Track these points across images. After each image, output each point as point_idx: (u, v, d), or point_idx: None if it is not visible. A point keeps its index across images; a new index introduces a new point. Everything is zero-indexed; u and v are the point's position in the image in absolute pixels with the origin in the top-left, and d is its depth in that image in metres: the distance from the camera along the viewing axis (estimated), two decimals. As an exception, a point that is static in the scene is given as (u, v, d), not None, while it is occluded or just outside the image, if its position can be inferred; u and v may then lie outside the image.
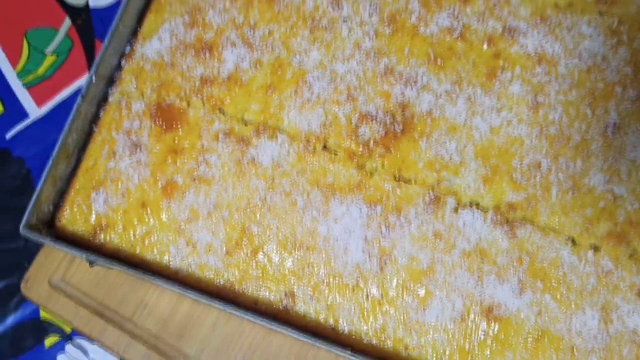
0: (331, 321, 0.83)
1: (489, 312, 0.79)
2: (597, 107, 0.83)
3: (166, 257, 0.87)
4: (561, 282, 0.78)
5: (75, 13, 1.22)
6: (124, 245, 0.89)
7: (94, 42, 1.18)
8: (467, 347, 0.79)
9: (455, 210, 0.83)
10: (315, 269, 0.84)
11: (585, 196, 0.80)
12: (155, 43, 0.96)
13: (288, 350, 0.89)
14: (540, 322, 0.78)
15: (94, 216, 0.91)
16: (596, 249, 0.79)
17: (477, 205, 0.83)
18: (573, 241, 0.80)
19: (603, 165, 0.81)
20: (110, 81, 0.97)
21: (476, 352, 0.79)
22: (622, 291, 0.77)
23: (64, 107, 1.15)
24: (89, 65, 1.16)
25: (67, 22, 1.21)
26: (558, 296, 0.78)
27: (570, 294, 0.78)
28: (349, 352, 0.77)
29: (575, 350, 0.76)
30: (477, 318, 0.79)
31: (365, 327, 0.82)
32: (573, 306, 0.77)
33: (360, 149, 0.86)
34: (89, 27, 1.19)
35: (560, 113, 0.84)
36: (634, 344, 0.75)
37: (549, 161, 0.82)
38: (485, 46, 0.88)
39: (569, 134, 0.83)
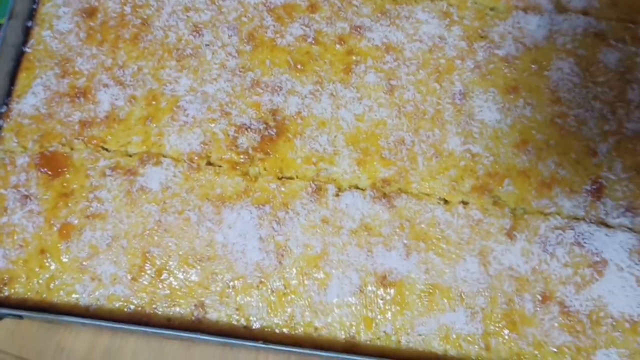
0: (243, 321, 0.89)
1: (383, 279, 0.87)
2: (443, 81, 0.95)
3: (74, 296, 0.91)
4: (440, 238, 0.88)
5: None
6: (29, 294, 0.92)
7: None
8: (370, 315, 0.87)
9: (337, 194, 0.91)
10: (219, 276, 0.90)
11: (447, 159, 0.91)
12: (30, 98, 1.01)
13: (210, 362, 0.94)
14: (429, 278, 0.87)
15: (-5, 274, 0.94)
16: (465, 203, 0.89)
17: (356, 186, 0.92)
18: (444, 200, 0.90)
19: (457, 129, 0.92)
20: (-9, 142, 1.01)
21: (379, 317, 0.86)
22: (493, 235, 0.87)
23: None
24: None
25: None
26: (440, 251, 0.87)
27: (450, 247, 0.87)
28: (261, 343, 0.83)
29: (463, 295, 0.85)
30: (373, 287, 0.87)
31: (275, 320, 0.88)
32: (454, 257, 0.87)
33: (242, 158, 0.94)
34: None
35: (413, 92, 0.95)
36: (512, 279, 0.85)
37: (411, 135, 0.93)
38: (338, 46, 0.99)
39: (423, 108, 0.94)
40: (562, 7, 0.98)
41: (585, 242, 0.85)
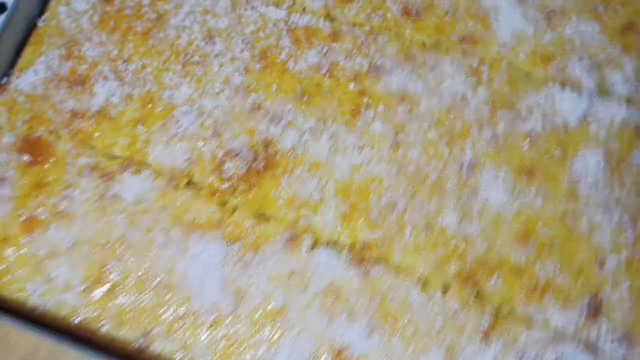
0: (186, 361, 0.79)
1: (339, 353, 0.75)
2: (454, 146, 0.81)
3: (23, 294, 0.82)
4: (409, 322, 0.75)
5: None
6: (-16, 281, 0.85)
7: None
8: (317, 387, 0.75)
9: (312, 248, 0.79)
10: (173, 307, 0.80)
11: (438, 235, 0.78)
12: (30, 75, 0.92)
13: (151, 388, 0.85)
14: (388, 363, 0.74)
15: (-41, 250, 0.86)
16: (445, 289, 0.76)
17: (335, 243, 0.80)
18: (423, 281, 0.77)
19: (457, 204, 0.79)
20: (-16, 113, 0.93)
21: (326, 393, 0.75)
22: (467, 332, 0.74)
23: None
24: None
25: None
26: (406, 337, 0.75)
27: (417, 334, 0.74)
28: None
29: (420, 392, 0.73)
30: (326, 359, 0.76)
31: (220, 367, 0.78)
32: (420, 347, 0.74)
33: (224, 186, 0.83)
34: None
35: (419, 151, 0.81)
36: (478, 386, 0.72)
37: (405, 200, 0.79)
38: (351, 85, 0.85)
39: (426, 172, 0.80)
40: (605, 89, 0.82)
41: (567, 366, 0.71)
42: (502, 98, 0.81)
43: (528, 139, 0.79)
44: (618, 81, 0.81)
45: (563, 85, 0.81)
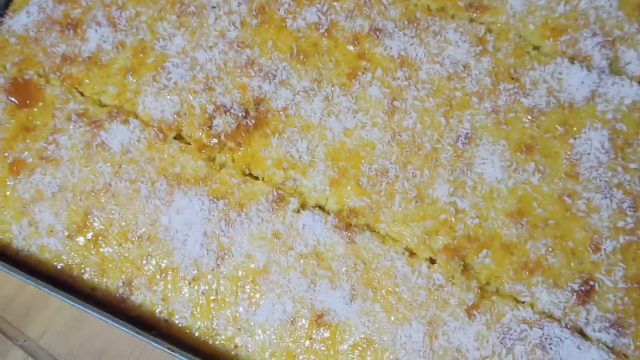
0: (166, 314, 0.75)
1: (319, 318, 0.71)
2: (452, 117, 0.75)
3: (8, 236, 0.79)
4: (392, 292, 0.70)
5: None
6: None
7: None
8: (295, 350, 0.71)
9: (298, 211, 0.74)
10: (155, 259, 0.76)
11: (428, 207, 0.73)
12: (23, 17, 0.86)
13: (130, 338, 0.81)
14: (367, 331, 0.70)
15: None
16: (432, 262, 0.71)
17: (321, 207, 0.75)
18: (410, 252, 0.72)
19: (450, 176, 0.73)
20: (-24, 52, 0.87)
21: (303, 356, 0.71)
22: (451, 307, 0.69)
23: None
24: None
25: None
26: (387, 307, 0.70)
27: (399, 305, 0.70)
28: (168, 348, 0.69)
29: (397, 363, 0.69)
30: (306, 323, 0.71)
31: (198, 324, 0.74)
32: (401, 317, 0.70)
33: (212, 142, 0.78)
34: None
35: (415, 120, 0.75)
36: (456, 362, 0.68)
37: (397, 168, 0.74)
38: (350, 47, 0.79)
39: (420, 142, 0.75)
40: (617, 68, 0.76)
41: (551, 348, 0.67)
42: (507, 70, 0.75)
43: (530, 115, 0.73)
44: (633, 60, 0.74)
45: (572, 60, 0.75)
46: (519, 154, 0.72)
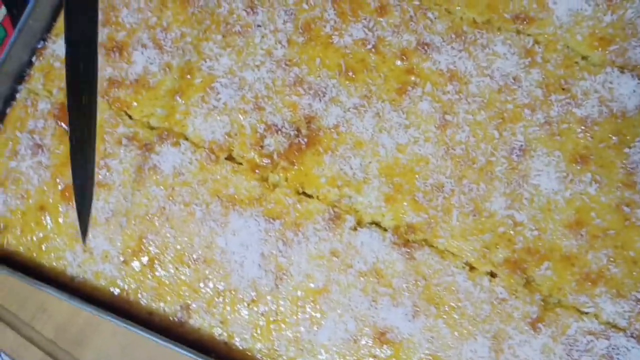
0: (225, 336, 0.75)
1: (381, 335, 0.72)
2: (504, 129, 0.76)
3: (62, 263, 0.79)
4: (455, 308, 0.71)
5: (11, 2, 1.12)
6: (21, 248, 0.81)
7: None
8: (357, 369, 0.72)
9: (354, 228, 0.75)
10: (212, 282, 0.77)
11: (486, 221, 0.73)
12: (66, 40, 0.87)
13: (186, 361, 0.82)
14: (431, 347, 0.71)
15: (-8, 216, 0.83)
16: (492, 275, 0.72)
17: (377, 224, 0.75)
18: (470, 266, 0.73)
19: (506, 189, 0.74)
20: (20, 78, 0.88)
21: (366, 375, 0.72)
22: (515, 320, 0.70)
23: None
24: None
25: (2, 10, 1.11)
26: (451, 322, 0.71)
27: (463, 320, 0.71)
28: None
29: (463, 379, 0.69)
30: (369, 341, 0.72)
31: (258, 345, 0.75)
32: (465, 333, 0.70)
33: (264, 161, 0.79)
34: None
35: (468, 133, 0.76)
36: (523, 376, 0.69)
37: (452, 182, 0.75)
38: (398, 61, 0.80)
39: (474, 155, 0.75)
40: (666, 75, 0.77)
41: (618, 358, 0.67)
42: (557, 81, 0.76)
43: (583, 125, 0.73)
44: (680, 68, 0.75)
45: (622, 69, 0.75)
46: (574, 165, 0.73)
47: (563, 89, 0.76)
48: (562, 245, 0.70)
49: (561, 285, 0.70)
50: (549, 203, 0.72)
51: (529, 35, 0.79)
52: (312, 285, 0.73)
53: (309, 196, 0.76)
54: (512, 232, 0.71)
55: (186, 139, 0.80)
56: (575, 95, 0.75)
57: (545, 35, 0.78)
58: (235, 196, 0.77)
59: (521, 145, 0.74)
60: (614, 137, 0.73)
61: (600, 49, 0.77)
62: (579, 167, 0.73)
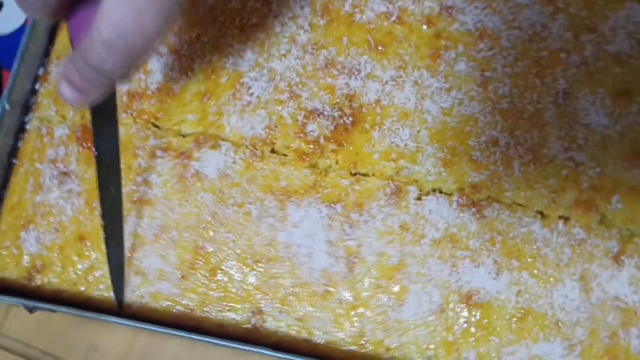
0: (304, 334, 0.74)
1: (468, 299, 0.72)
2: (544, 76, 0.78)
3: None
4: (536, 257, 0.72)
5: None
6: (65, 285, 0.77)
7: (0, 73, 1.03)
8: (450, 338, 0.72)
9: (419, 198, 0.75)
10: (281, 280, 0.75)
11: (547, 166, 0.75)
12: (72, 61, 0.84)
13: (261, 372, 0.79)
14: (521, 301, 0.71)
15: (26, 258, 0.78)
16: (566, 219, 0.73)
17: (440, 190, 0.76)
18: (542, 214, 0.74)
19: (559, 133, 0.76)
20: (26, 108, 0.84)
21: (460, 341, 0.71)
22: (597, 258, 0.72)
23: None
24: None
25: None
26: (535, 272, 0.72)
27: (547, 268, 0.72)
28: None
29: (560, 324, 0.70)
30: (456, 307, 0.72)
31: (341, 335, 0.73)
32: (552, 280, 0.71)
33: (311, 147, 0.78)
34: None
35: (510, 86, 0.78)
36: (618, 310, 0.70)
37: (506, 136, 0.76)
38: (424, 27, 0.81)
39: (521, 106, 0.77)
40: (683, 1, 0.81)
41: (703, 275, 0.70)
42: (582, 22, 0.79)
43: (617, 61, 0.76)
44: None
45: (640, 2, 0.79)
46: (618, 99, 0.75)
47: (590, 29, 0.78)
48: (625, 177, 0.73)
49: (634, 215, 0.72)
50: (603, 139, 0.74)
51: (545, -16, 0.81)
52: (387, 263, 0.72)
53: (365, 175, 0.76)
54: (574, 173, 0.73)
55: (225, 139, 0.78)
56: (604, 33, 0.78)
57: (561, -19, 0.81)
58: (289, 188, 0.75)
59: (564, 89, 0.76)
60: (650, 67, 0.76)
61: (615, -13, 0.80)
62: (623, 101, 0.75)
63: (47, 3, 0.46)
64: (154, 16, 0.47)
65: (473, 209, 0.74)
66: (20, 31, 1.03)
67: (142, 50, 0.49)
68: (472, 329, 0.71)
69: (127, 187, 0.77)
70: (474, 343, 0.71)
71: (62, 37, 0.86)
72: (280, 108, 0.79)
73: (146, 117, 0.80)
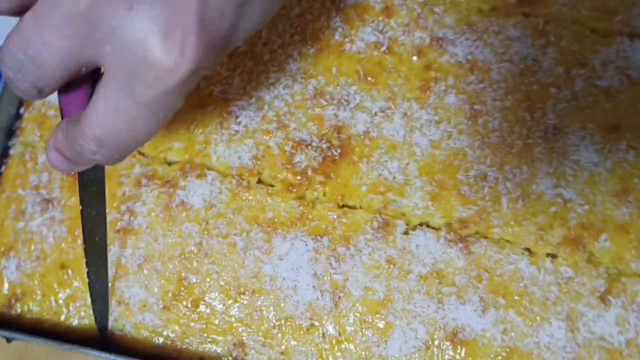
0: (288, 369, 0.74)
1: (453, 336, 0.73)
2: (534, 110, 0.79)
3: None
4: (523, 295, 0.73)
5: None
6: (45, 314, 0.77)
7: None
8: (435, 376, 0.72)
9: (406, 232, 0.76)
10: (265, 313, 0.75)
11: (536, 203, 0.76)
12: (58, 85, 0.85)
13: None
14: (507, 339, 0.72)
15: (6, 285, 0.79)
16: (553, 257, 0.75)
17: (428, 224, 0.77)
18: (529, 251, 0.75)
19: (549, 169, 0.77)
20: (10, 132, 0.85)
21: (445, 380, 0.72)
22: (584, 297, 0.73)
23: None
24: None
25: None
26: (522, 310, 0.73)
27: (533, 306, 0.73)
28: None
29: (546, 365, 0.71)
30: (442, 344, 0.73)
31: (326, 370, 0.74)
32: (538, 319, 0.72)
33: (298, 179, 0.79)
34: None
35: (500, 120, 0.79)
36: (603, 350, 0.71)
37: (495, 171, 0.77)
38: (414, 58, 0.82)
39: (510, 140, 0.78)
40: (675, 37, 0.82)
41: (690, 316, 0.71)
42: (573, 56, 0.81)
43: (607, 96, 0.77)
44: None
45: (631, 38, 0.80)
46: (608, 135, 0.76)
47: (581, 63, 0.80)
48: (614, 215, 0.74)
49: (621, 254, 0.73)
50: (592, 176, 0.75)
51: (536, 16, 0.82)
52: (373, 297, 0.73)
53: (352, 207, 0.77)
54: (563, 210, 0.74)
55: (211, 168, 0.78)
56: (594, 67, 0.79)
57: (552, 15, 0.82)
58: (275, 219, 0.76)
59: (554, 124, 0.77)
60: (639, 104, 0.77)
61: (606, 21, 0.81)
62: (613, 137, 0.76)
63: (42, 94, 0.46)
64: (147, 122, 0.48)
65: (460, 245, 0.75)
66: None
67: (134, 147, 0.51)
68: (457, 367, 0.72)
69: (111, 216, 0.78)
70: (458, 381, 0.72)
71: (49, 60, 0.87)
72: (267, 138, 0.80)
73: (132, 144, 0.81)
